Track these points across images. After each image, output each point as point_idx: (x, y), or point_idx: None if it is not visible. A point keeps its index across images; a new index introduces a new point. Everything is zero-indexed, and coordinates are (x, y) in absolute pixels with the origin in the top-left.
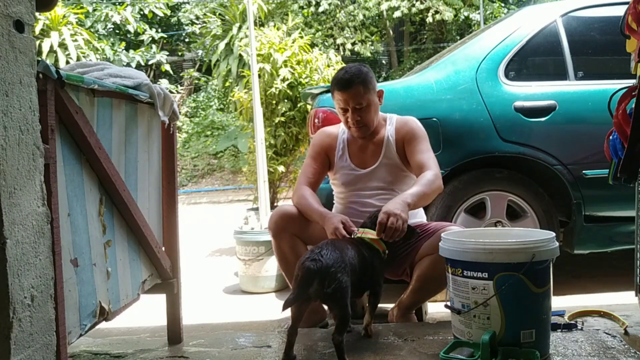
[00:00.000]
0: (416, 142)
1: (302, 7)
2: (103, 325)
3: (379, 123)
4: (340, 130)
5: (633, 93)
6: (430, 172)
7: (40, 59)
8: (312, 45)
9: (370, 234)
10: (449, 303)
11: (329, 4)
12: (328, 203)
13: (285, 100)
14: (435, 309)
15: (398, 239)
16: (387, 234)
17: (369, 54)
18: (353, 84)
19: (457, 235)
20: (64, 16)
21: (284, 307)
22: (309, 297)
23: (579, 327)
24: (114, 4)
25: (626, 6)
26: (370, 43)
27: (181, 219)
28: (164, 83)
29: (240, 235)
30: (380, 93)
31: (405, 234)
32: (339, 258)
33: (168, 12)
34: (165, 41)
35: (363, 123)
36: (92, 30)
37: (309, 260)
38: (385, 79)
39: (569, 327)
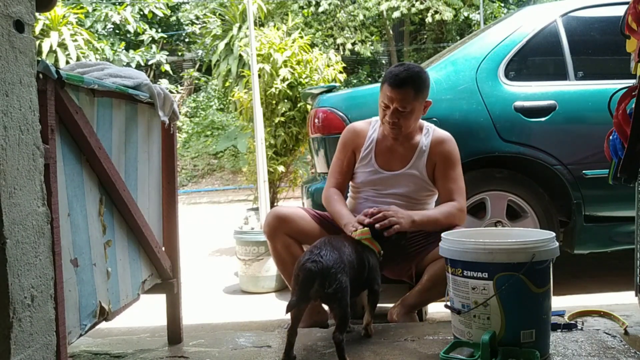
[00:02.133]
0: (450, 168)
1: (302, 7)
2: (103, 325)
3: (415, 129)
4: (370, 126)
5: (633, 93)
6: (455, 205)
7: (40, 59)
8: (312, 45)
9: (365, 235)
10: (449, 303)
11: (329, 4)
12: None
13: (285, 100)
14: (435, 309)
15: (387, 235)
16: (374, 220)
17: (369, 54)
18: (406, 85)
19: (457, 235)
20: (64, 16)
21: (287, 310)
22: (309, 298)
23: (579, 327)
24: (114, 4)
25: (626, 6)
26: (370, 43)
27: (181, 219)
28: (164, 83)
29: (240, 235)
30: (428, 104)
31: (395, 235)
32: (338, 258)
33: (168, 12)
34: (165, 41)
35: (398, 126)
36: (91, 30)
37: (309, 261)
38: None
39: (569, 327)
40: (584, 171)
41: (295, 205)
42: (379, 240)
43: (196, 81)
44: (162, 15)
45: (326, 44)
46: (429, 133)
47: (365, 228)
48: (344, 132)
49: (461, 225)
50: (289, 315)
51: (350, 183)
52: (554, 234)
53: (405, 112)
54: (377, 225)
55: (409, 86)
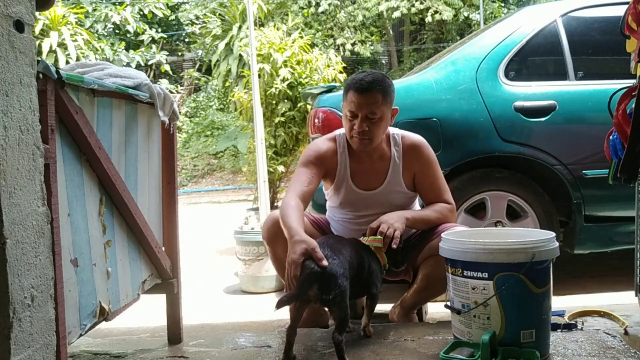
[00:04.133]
0: (432, 172)
1: (302, 8)
2: (103, 325)
3: (382, 140)
4: (337, 145)
5: (633, 93)
6: (447, 206)
7: (40, 59)
8: (312, 45)
9: (377, 242)
10: (449, 303)
11: (329, 4)
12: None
13: (285, 100)
14: (435, 309)
15: (395, 246)
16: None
17: (369, 54)
18: (373, 89)
19: (457, 235)
20: (64, 16)
21: (278, 306)
22: (309, 300)
23: (579, 327)
24: (114, 4)
25: (626, 6)
26: (370, 43)
27: (181, 219)
28: (164, 83)
29: (240, 235)
30: (395, 111)
31: (400, 256)
32: (339, 262)
33: (168, 12)
34: (165, 41)
35: (369, 136)
36: (91, 30)
37: (308, 267)
38: None
39: (569, 327)
40: (584, 171)
41: None
42: (388, 255)
43: (196, 81)
44: (162, 15)
45: (326, 44)
46: (397, 142)
47: (381, 237)
48: (309, 150)
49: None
50: (288, 315)
51: (331, 207)
52: (554, 234)
53: (375, 119)
54: (383, 247)
55: (376, 90)
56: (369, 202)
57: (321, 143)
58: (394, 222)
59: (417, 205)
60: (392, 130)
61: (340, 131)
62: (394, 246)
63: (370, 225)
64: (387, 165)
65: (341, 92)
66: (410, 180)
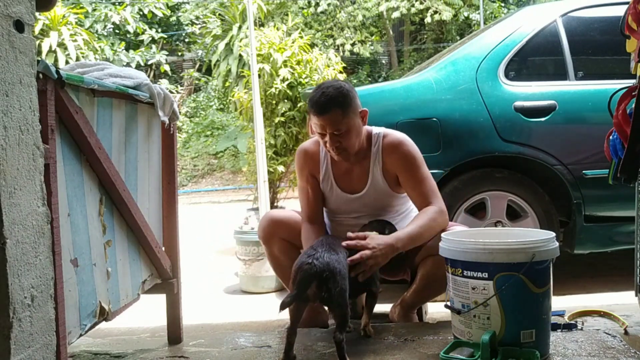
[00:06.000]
0: (414, 171)
1: (302, 8)
2: (103, 325)
3: (363, 142)
4: (321, 148)
5: (633, 93)
6: (435, 209)
7: (40, 59)
8: (312, 45)
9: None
10: (449, 303)
11: (329, 4)
12: None
13: (285, 100)
14: (435, 309)
15: (361, 278)
16: (355, 269)
17: (368, 54)
18: (330, 108)
19: (457, 235)
20: (64, 16)
21: (281, 308)
22: (307, 299)
23: (579, 327)
24: (114, 4)
25: (626, 6)
26: (370, 43)
27: (181, 219)
28: (164, 83)
29: (240, 235)
30: (364, 113)
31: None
32: (336, 259)
33: (168, 13)
34: (165, 41)
35: (343, 148)
36: (91, 30)
37: (306, 263)
38: (385, 79)
39: (569, 327)
40: (584, 171)
41: (294, 205)
42: None
43: (196, 81)
44: (162, 15)
45: (326, 44)
46: (378, 142)
47: (374, 232)
48: (296, 156)
49: (448, 227)
50: (289, 315)
51: (324, 209)
52: (554, 234)
53: (342, 133)
54: (352, 274)
55: (333, 108)
56: (356, 205)
57: (307, 148)
58: (379, 255)
59: (411, 206)
60: (376, 129)
61: None
62: (361, 279)
63: (358, 233)
64: (368, 166)
65: None
66: (393, 181)
